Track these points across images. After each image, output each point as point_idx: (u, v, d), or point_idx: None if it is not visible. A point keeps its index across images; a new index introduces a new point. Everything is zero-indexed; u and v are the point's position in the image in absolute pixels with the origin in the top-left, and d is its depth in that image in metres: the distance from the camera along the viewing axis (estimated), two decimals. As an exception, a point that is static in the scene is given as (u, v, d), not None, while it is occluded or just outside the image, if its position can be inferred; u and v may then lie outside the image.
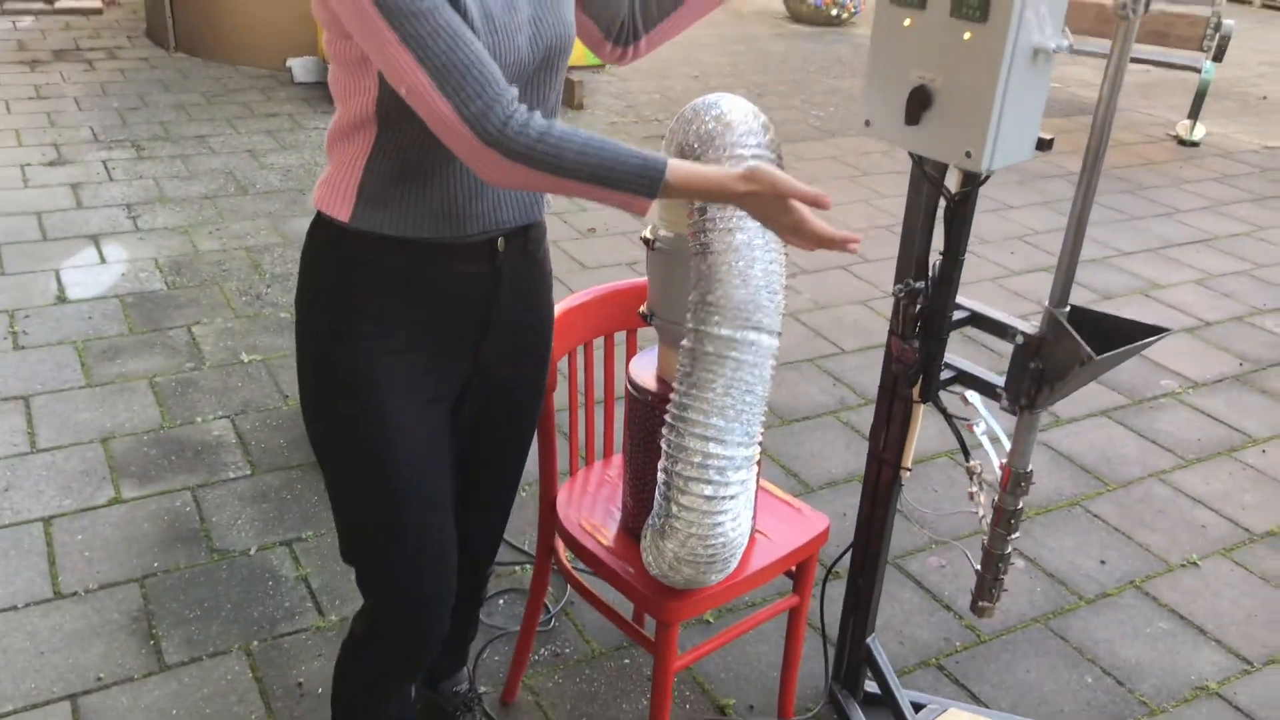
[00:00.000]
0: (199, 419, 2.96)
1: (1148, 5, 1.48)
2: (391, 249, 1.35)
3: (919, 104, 1.44)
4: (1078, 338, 1.55)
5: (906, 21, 1.44)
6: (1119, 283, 4.28)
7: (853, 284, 4.11)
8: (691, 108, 1.57)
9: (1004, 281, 4.21)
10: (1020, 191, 5.30)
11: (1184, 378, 3.55)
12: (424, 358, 1.42)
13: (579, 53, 6.07)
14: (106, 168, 4.77)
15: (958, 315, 1.74)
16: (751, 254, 1.55)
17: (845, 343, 3.65)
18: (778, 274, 1.57)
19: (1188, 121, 6.37)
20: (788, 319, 3.78)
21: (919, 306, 1.75)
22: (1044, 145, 1.51)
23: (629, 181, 1.21)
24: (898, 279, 1.79)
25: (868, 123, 1.53)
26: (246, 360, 3.27)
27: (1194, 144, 6.30)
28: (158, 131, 5.31)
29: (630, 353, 1.93)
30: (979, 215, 4.83)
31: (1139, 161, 5.94)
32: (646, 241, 1.70)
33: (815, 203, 1.30)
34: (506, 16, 1.26)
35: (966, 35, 1.38)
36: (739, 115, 1.53)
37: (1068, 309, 1.65)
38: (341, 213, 1.34)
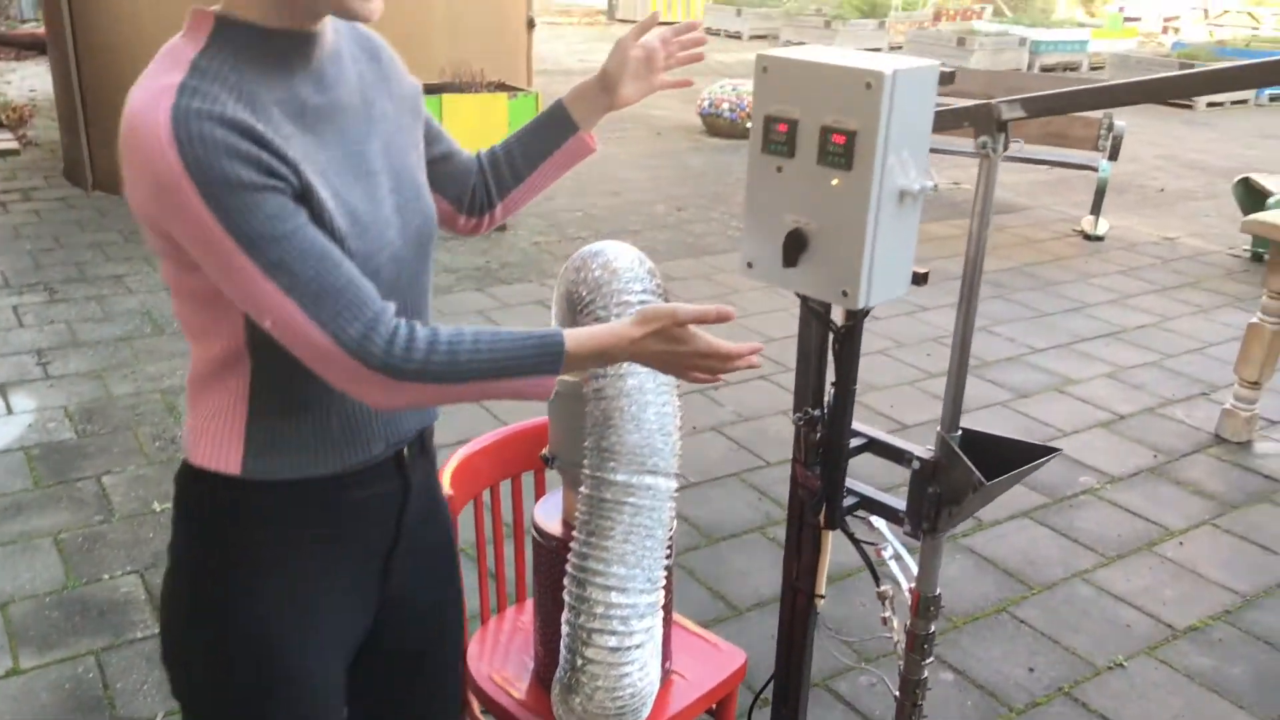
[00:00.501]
0: (106, 576, 2.85)
1: (1007, 145, 1.55)
2: (294, 494, 1.21)
3: (795, 246, 1.48)
4: (969, 463, 1.58)
5: (778, 168, 1.49)
6: (1034, 380, 4.37)
7: (776, 394, 4.15)
8: (579, 256, 1.59)
9: (922, 385, 4.28)
10: (932, 293, 5.43)
11: (1101, 473, 3.62)
12: (335, 598, 1.27)
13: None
14: (17, 313, 4.70)
15: (855, 442, 1.76)
16: (644, 398, 1.56)
17: (769, 455, 3.67)
18: (671, 416, 1.58)
19: (1091, 217, 6.63)
20: (711, 434, 3.79)
21: (818, 434, 1.77)
22: (919, 280, 1.55)
23: (530, 364, 1.14)
24: (796, 408, 1.81)
25: (750, 265, 1.56)
26: (159, 509, 3.18)
27: (1098, 238, 6.54)
28: (73, 273, 5.25)
29: (538, 494, 1.91)
30: (895, 319, 4.94)
31: (1048, 258, 6.14)
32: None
33: (719, 318, 1.24)
34: (373, 212, 1.17)
35: (834, 181, 1.42)
36: (625, 262, 1.56)
37: (959, 433, 1.68)
38: (229, 465, 1.18)
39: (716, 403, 4.04)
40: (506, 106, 5.99)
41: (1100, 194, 6.56)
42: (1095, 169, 6.48)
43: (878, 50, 16.37)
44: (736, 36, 17.53)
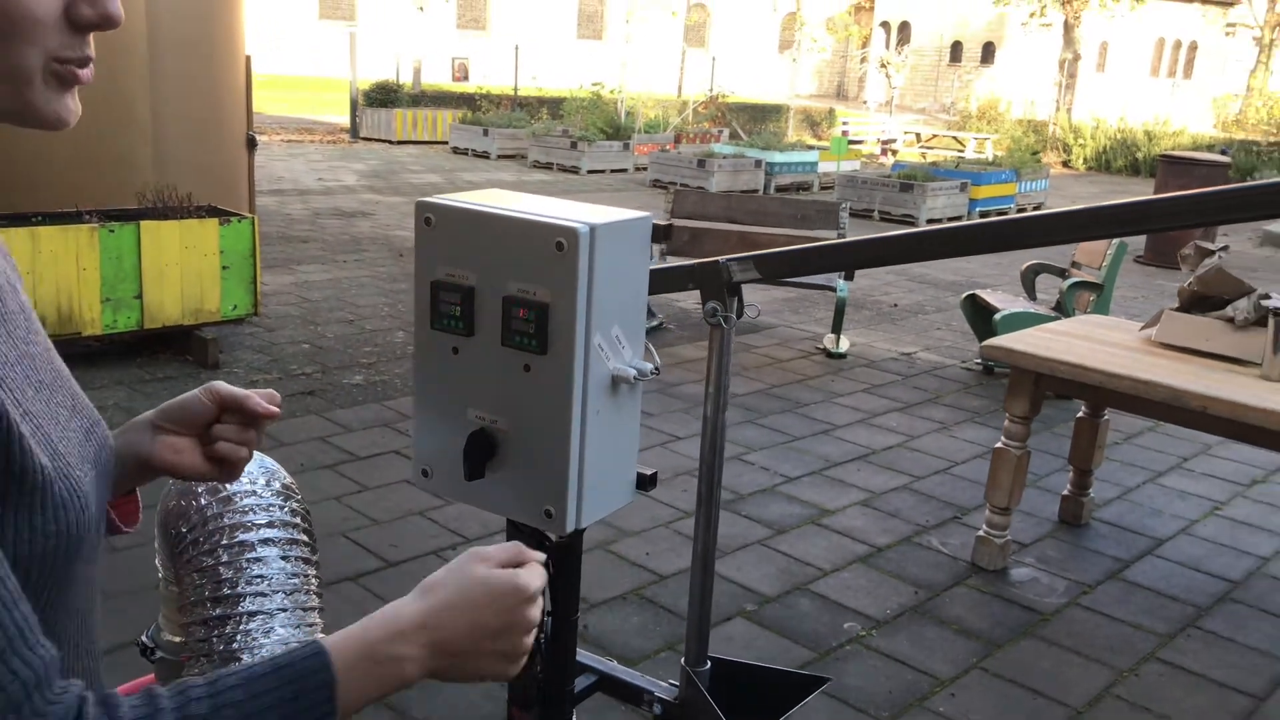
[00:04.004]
0: None
1: (741, 311, 1.27)
2: None
3: (481, 452, 1.11)
4: (720, 714, 1.24)
5: (454, 349, 1.12)
6: (791, 513, 4.19)
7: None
8: (177, 485, 1.15)
9: (679, 526, 4.00)
10: (686, 421, 5.23)
11: (865, 617, 3.41)
12: None
13: (212, 304, 5.55)
14: None
15: (584, 681, 1.39)
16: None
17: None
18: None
19: (833, 335, 6.70)
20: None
21: (537, 671, 1.39)
22: (647, 483, 1.21)
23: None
24: (509, 636, 1.43)
25: (425, 473, 1.18)
26: None
27: (841, 355, 6.61)
28: None
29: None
30: (645, 452, 4.66)
31: (795, 378, 6.11)
32: (143, 648, 1.24)
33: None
34: (67, 444, 0.81)
35: (526, 368, 1.07)
36: (243, 484, 1.14)
37: (708, 666, 1.34)
38: None
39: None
40: (218, 234, 5.42)
41: (840, 312, 6.66)
42: (834, 289, 6.59)
43: (623, 172, 16.72)
44: (485, 156, 17.47)
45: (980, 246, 1.22)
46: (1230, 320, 3.52)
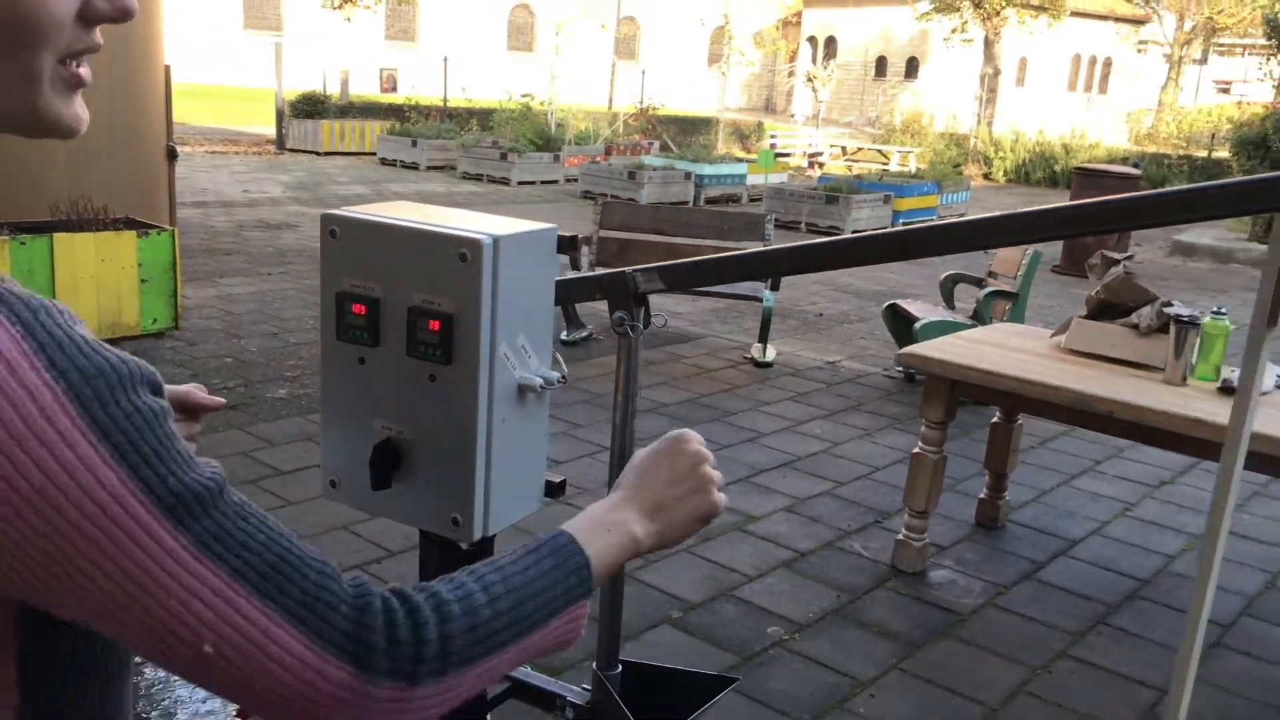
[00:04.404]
0: None
1: (648, 321, 1.30)
2: None
3: (387, 462, 1.12)
4: (629, 715, 1.26)
5: (360, 359, 1.14)
6: (717, 521, 4.20)
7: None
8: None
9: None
10: (585, 410, 5.26)
11: (788, 621, 3.47)
12: None
13: (131, 318, 5.44)
14: None
15: (498, 687, 1.41)
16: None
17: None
18: None
19: (759, 345, 6.79)
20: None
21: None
22: (556, 491, 1.24)
23: (560, 592, 0.83)
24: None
25: (333, 484, 1.19)
26: None
27: (768, 365, 6.70)
28: None
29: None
30: (571, 463, 4.68)
31: (723, 387, 6.17)
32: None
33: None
34: None
35: (431, 378, 1.09)
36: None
37: (618, 669, 1.36)
38: None
39: (380, 579, 3.56)
40: (136, 246, 5.32)
41: (766, 322, 6.75)
42: (760, 299, 6.68)
43: (553, 183, 16.74)
44: (413, 167, 17.35)
45: (867, 257, 1.27)
46: (1135, 327, 3.65)
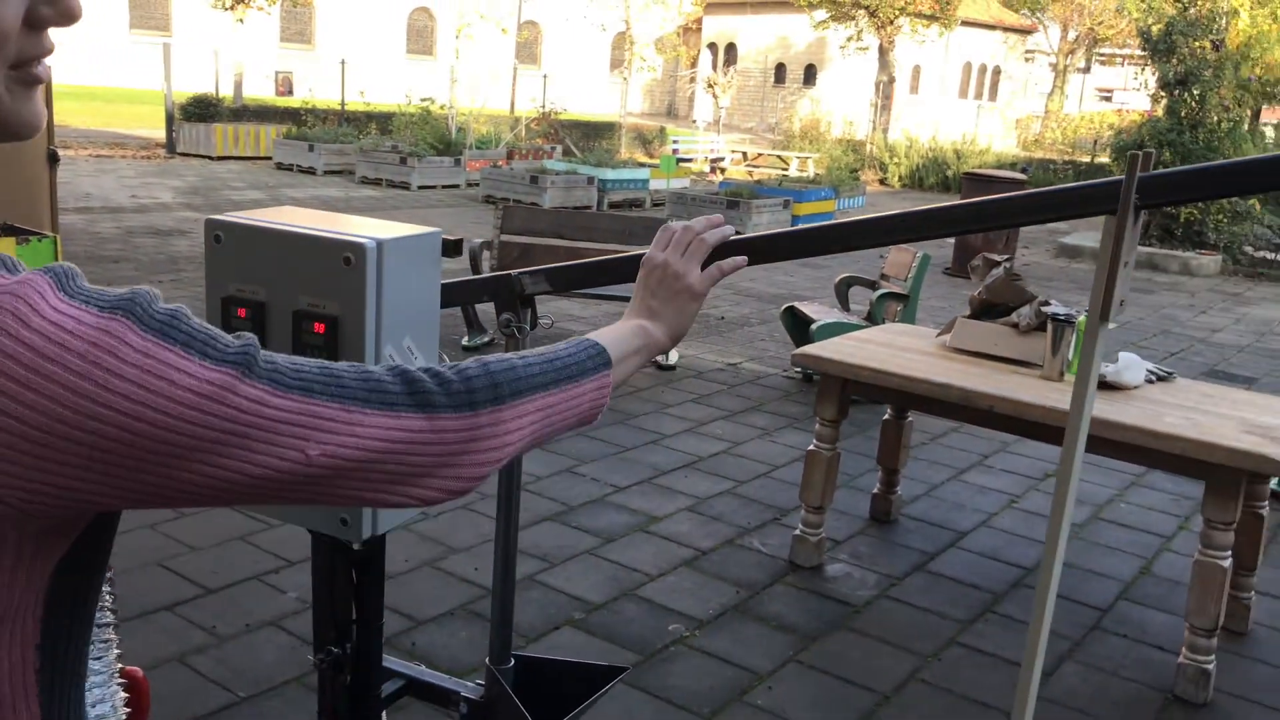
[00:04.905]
0: None
1: (534, 322, 1.33)
2: None
3: (275, 464, 1.14)
4: (521, 707, 1.29)
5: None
6: (619, 522, 4.28)
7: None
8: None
9: (508, 540, 4.03)
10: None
11: (689, 618, 3.53)
12: None
13: None
14: None
15: (391, 685, 1.42)
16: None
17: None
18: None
19: (661, 347, 6.86)
20: (270, 629, 3.26)
21: (346, 678, 1.41)
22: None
23: (579, 359, 1.00)
24: (316, 648, 1.44)
25: (221, 487, 1.20)
26: None
27: (671, 367, 6.78)
28: None
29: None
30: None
31: (626, 391, 6.22)
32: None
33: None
34: None
35: (318, 379, 1.10)
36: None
37: (511, 664, 1.39)
38: None
39: (277, 589, 3.52)
40: (14, 254, 5.13)
41: (668, 325, 6.82)
42: (661, 302, 6.74)
43: (455, 187, 16.60)
44: (310, 171, 17.04)
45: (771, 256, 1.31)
46: (1015, 326, 3.81)
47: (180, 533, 3.85)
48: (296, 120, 19.90)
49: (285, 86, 30.66)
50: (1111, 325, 1.15)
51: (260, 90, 28.55)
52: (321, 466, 0.76)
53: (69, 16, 0.74)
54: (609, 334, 1.09)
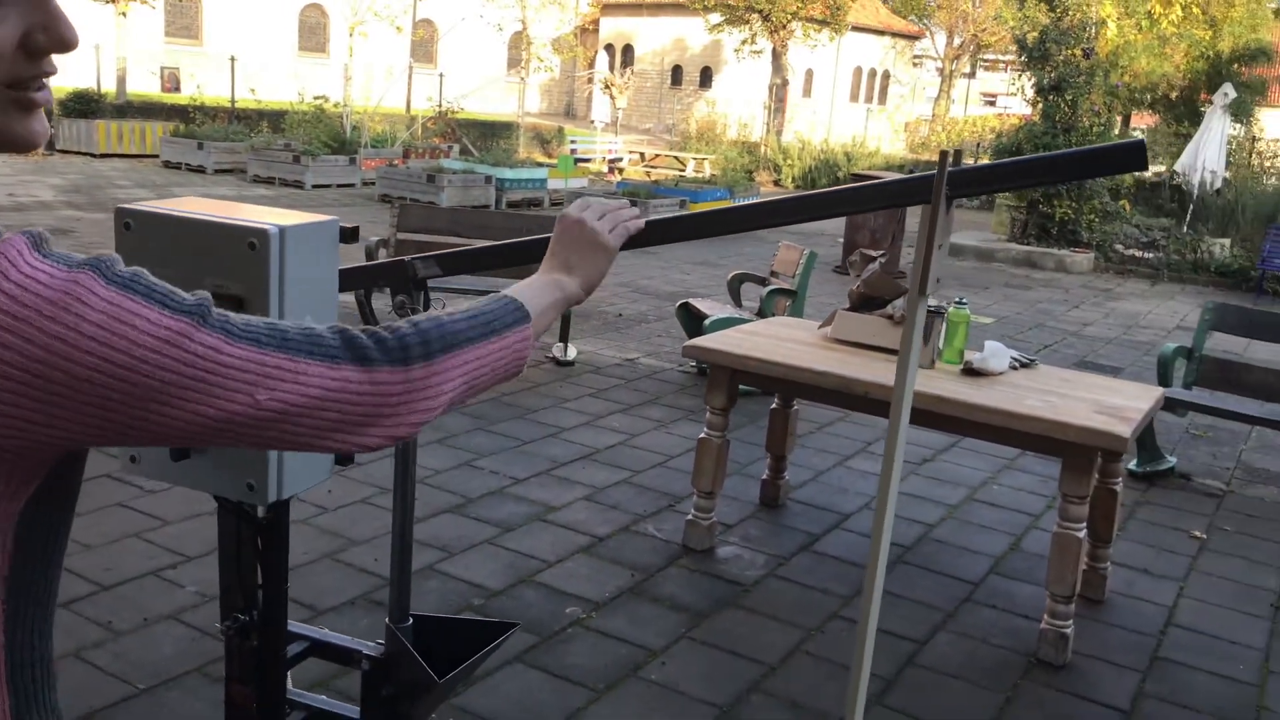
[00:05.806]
0: None
1: (427, 304, 1.44)
2: None
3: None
4: (420, 661, 1.40)
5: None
6: (518, 512, 4.38)
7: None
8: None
9: (408, 532, 4.09)
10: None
11: (586, 601, 3.65)
12: None
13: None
14: None
15: (296, 648, 1.52)
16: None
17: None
18: None
19: (560, 344, 6.98)
20: (167, 623, 3.28)
21: (253, 642, 1.50)
22: (345, 460, 1.37)
23: (500, 314, 1.07)
24: (223, 615, 1.52)
25: (133, 459, 1.28)
26: None
27: (569, 363, 6.89)
28: None
29: None
30: (377, 461, 4.72)
31: (526, 386, 6.32)
32: None
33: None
34: None
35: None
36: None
37: (410, 622, 1.50)
38: None
39: (175, 584, 3.53)
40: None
41: (567, 322, 6.94)
42: (559, 299, 6.85)
43: (350, 187, 16.40)
44: (200, 170, 16.66)
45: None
46: (891, 317, 4.04)
47: (77, 531, 3.81)
48: (184, 118, 19.40)
49: (172, 83, 29.81)
50: (932, 302, 1.31)
51: (145, 86, 27.71)
52: (270, 410, 0.84)
53: (64, 44, 0.84)
54: (526, 289, 1.16)
